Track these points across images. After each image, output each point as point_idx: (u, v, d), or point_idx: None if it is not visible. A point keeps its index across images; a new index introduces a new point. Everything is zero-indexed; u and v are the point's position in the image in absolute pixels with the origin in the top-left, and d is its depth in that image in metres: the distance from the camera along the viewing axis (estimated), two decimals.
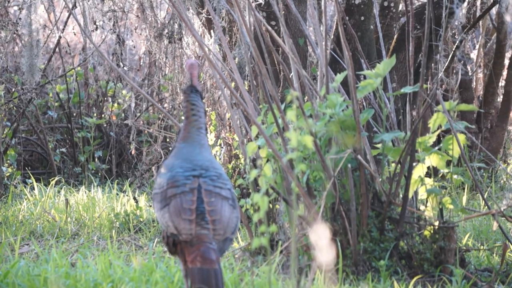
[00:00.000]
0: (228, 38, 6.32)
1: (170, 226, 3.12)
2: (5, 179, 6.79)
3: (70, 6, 7.46)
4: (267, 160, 4.16)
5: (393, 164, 4.07)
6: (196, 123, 3.30)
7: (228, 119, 6.14)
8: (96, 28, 7.48)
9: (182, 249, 3.12)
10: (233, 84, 5.65)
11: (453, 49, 7.71)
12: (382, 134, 4.03)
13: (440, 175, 4.38)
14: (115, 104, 8.39)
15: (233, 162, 5.99)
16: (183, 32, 6.88)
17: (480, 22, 8.40)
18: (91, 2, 7.43)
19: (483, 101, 8.30)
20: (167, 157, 3.30)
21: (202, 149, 3.26)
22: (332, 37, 6.66)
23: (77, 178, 7.69)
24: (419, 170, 4.17)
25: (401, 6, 6.95)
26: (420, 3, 7.71)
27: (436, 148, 4.20)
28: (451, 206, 4.15)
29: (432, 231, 4.04)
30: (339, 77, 4.11)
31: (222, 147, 6.06)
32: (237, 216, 3.20)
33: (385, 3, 6.75)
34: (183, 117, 6.70)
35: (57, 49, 8.21)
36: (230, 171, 5.96)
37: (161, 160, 7.60)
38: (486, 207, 5.16)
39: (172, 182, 3.16)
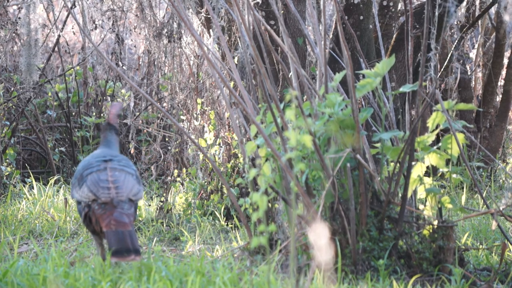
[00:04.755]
0: (227, 38, 6.32)
1: (90, 196, 3.54)
2: (4, 178, 6.78)
3: (69, 5, 7.46)
4: (266, 160, 4.15)
5: (392, 164, 4.07)
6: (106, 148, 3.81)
7: (227, 118, 6.14)
8: (95, 28, 7.47)
9: (97, 219, 3.53)
10: (232, 83, 5.65)
11: (452, 48, 7.71)
12: (381, 133, 4.03)
13: (439, 174, 4.38)
14: None
15: (232, 161, 5.98)
16: (182, 32, 6.88)
17: (479, 21, 8.40)
18: (90, 1, 7.43)
19: (482, 100, 8.30)
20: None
21: (112, 151, 3.78)
22: (331, 36, 6.66)
23: None
24: (418, 169, 4.16)
25: (400, 6, 6.95)
26: (419, 2, 7.71)
27: (435, 147, 4.20)
28: (450, 206, 4.15)
29: (431, 231, 4.04)
30: (338, 76, 4.10)
31: (221, 146, 6.06)
32: (139, 188, 3.64)
33: (384, 3, 6.75)
34: (182, 117, 6.72)
35: (56, 48, 8.20)
36: (229, 170, 5.95)
37: (160, 159, 7.59)
38: (485, 206, 5.16)
39: (86, 167, 3.63)
